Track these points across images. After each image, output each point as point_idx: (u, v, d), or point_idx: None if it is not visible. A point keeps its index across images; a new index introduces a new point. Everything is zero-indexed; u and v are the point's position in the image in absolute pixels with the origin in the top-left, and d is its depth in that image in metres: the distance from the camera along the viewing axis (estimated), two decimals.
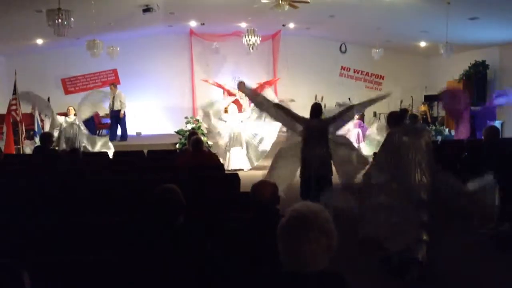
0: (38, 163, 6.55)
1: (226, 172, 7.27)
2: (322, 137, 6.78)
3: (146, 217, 3.27)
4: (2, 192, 4.78)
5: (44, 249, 3.23)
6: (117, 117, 12.90)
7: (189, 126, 11.74)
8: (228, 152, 10.40)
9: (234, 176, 5.61)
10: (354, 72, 16.99)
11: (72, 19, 7.44)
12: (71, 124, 9.99)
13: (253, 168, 10.32)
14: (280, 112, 6.82)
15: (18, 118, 10.65)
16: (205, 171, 5.96)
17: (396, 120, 5.27)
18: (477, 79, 14.06)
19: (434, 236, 4.41)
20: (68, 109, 10.38)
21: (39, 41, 12.85)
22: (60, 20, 7.27)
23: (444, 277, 4.37)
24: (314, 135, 6.71)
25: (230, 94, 14.05)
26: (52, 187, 4.96)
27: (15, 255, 2.95)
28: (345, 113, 6.70)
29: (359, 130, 12.01)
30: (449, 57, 11.79)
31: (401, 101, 15.55)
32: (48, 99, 11.86)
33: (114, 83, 13.30)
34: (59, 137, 9.85)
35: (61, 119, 10.23)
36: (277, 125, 10.97)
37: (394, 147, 4.59)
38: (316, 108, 6.89)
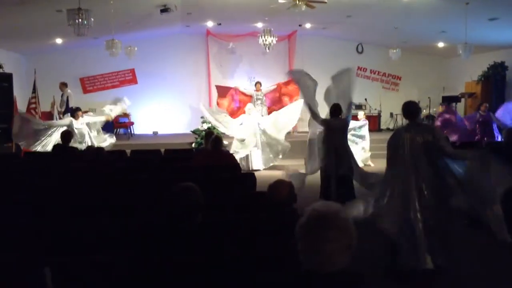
0: (57, 161, 6.65)
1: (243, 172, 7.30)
2: (342, 136, 6.86)
3: (164, 216, 3.29)
4: (22, 189, 4.87)
5: (62, 247, 3.27)
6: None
7: (205, 126, 11.79)
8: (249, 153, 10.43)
9: (250, 176, 5.63)
10: (371, 72, 16.87)
11: (92, 19, 7.53)
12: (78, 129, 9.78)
13: (269, 169, 10.34)
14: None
15: (37, 116, 10.83)
16: (222, 170, 5.99)
17: (412, 114, 4.71)
18: (496, 80, 13.89)
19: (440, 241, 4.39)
20: (76, 114, 10.08)
21: (59, 41, 13.02)
22: (80, 20, 7.35)
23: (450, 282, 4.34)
24: (335, 134, 6.79)
25: (246, 95, 14.07)
26: (69, 185, 5.03)
27: (37, 253, 3.01)
28: None
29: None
30: (467, 58, 11.66)
31: (418, 102, 15.35)
32: (67, 98, 12.01)
33: (64, 82, 12.56)
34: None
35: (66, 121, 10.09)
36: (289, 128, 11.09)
37: (395, 145, 4.57)
38: (336, 108, 6.98)
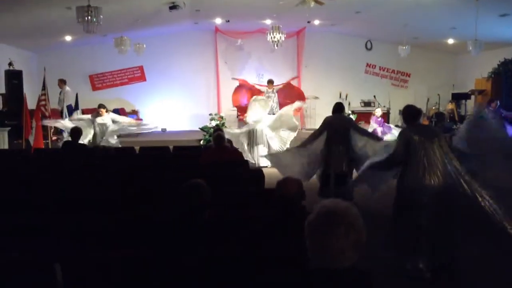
0: (66, 158, 6.69)
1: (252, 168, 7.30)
2: (344, 134, 6.77)
3: (171, 212, 3.30)
4: (32, 186, 4.90)
5: (70, 244, 3.29)
6: (70, 113, 11.75)
7: (214, 123, 11.80)
8: (256, 147, 10.40)
9: (258, 173, 5.62)
10: (380, 69, 16.79)
11: (101, 16, 7.54)
12: (103, 125, 9.97)
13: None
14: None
15: (47, 114, 10.90)
16: (229, 167, 5.98)
17: (413, 116, 4.77)
18: (506, 77, 13.75)
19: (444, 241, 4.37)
20: (100, 111, 10.17)
21: (68, 38, 13.08)
22: (89, 17, 7.37)
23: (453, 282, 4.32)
24: (336, 131, 6.72)
25: (257, 91, 14.04)
26: (78, 182, 5.06)
27: (46, 249, 3.03)
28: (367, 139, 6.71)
29: (381, 129, 11.87)
30: (477, 55, 11.56)
31: (428, 99, 15.32)
32: (77, 95, 12.06)
33: (63, 79, 12.35)
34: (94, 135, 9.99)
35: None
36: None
37: (405, 145, 4.55)
38: (338, 106, 6.97)
